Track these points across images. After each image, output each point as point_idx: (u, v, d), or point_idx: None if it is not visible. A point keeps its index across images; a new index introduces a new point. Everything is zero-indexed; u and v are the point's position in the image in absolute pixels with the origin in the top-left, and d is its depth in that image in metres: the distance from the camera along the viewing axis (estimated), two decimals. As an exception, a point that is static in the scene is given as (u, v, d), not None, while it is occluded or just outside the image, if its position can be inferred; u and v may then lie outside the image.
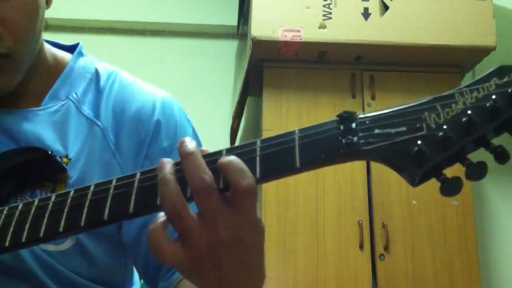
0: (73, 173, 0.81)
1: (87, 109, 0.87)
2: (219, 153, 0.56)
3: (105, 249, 0.85)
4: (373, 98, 2.35)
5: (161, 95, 0.91)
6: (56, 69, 0.90)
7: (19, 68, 0.81)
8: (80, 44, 0.95)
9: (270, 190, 2.21)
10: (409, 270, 2.15)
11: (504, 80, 0.50)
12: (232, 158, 0.54)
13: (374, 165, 2.23)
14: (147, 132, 0.86)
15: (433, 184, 0.51)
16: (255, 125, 2.78)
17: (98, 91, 0.89)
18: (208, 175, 0.53)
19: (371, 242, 2.17)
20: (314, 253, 2.14)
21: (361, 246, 2.15)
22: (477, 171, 0.49)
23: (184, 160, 0.54)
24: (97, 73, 0.91)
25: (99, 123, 0.86)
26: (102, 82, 0.90)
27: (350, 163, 0.55)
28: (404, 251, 2.17)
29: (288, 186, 2.21)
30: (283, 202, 2.20)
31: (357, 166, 2.23)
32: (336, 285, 2.11)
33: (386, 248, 2.16)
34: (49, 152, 0.80)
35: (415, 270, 2.15)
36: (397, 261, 2.16)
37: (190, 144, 0.55)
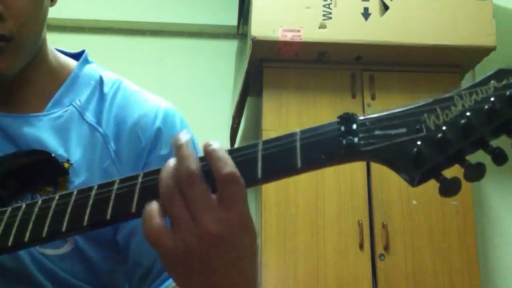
0: (74, 178, 0.81)
1: (90, 116, 0.87)
2: None
3: (104, 254, 0.84)
4: (373, 98, 2.36)
5: (164, 105, 0.91)
6: (60, 74, 0.90)
7: (21, 53, 0.81)
8: (85, 52, 0.95)
9: (270, 190, 2.21)
10: (409, 270, 2.15)
11: (503, 83, 0.51)
12: (216, 146, 0.55)
13: (374, 165, 2.23)
14: (148, 139, 0.85)
15: (433, 184, 0.52)
16: (255, 125, 2.78)
17: (102, 98, 0.89)
18: (194, 165, 0.54)
19: (371, 242, 2.17)
20: (314, 253, 2.14)
21: (361, 246, 2.15)
22: (476, 172, 0.50)
23: (175, 150, 0.55)
24: (101, 80, 0.91)
25: (100, 129, 0.86)
26: (106, 89, 0.90)
27: (350, 163, 0.56)
28: (404, 251, 2.17)
29: (288, 186, 2.21)
30: (283, 202, 2.20)
31: (357, 166, 2.23)
32: (336, 285, 2.11)
33: (386, 248, 2.16)
34: (52, 154, 0.80)
35: (415, 270, 2.15)
36: (397, 261, 2.16)
37: (184, 136, 0.56)
